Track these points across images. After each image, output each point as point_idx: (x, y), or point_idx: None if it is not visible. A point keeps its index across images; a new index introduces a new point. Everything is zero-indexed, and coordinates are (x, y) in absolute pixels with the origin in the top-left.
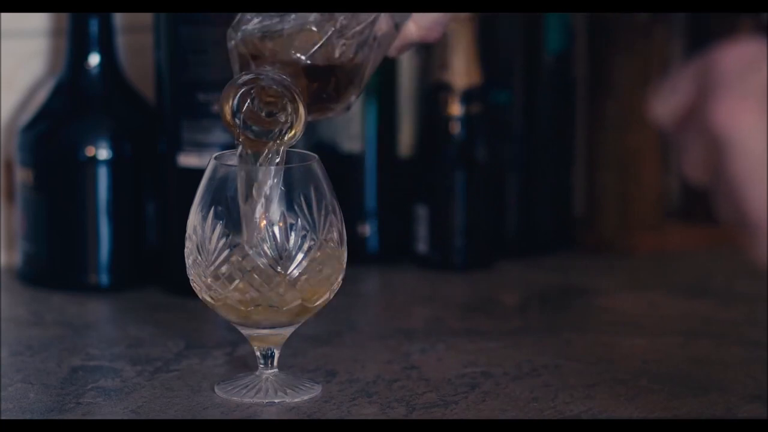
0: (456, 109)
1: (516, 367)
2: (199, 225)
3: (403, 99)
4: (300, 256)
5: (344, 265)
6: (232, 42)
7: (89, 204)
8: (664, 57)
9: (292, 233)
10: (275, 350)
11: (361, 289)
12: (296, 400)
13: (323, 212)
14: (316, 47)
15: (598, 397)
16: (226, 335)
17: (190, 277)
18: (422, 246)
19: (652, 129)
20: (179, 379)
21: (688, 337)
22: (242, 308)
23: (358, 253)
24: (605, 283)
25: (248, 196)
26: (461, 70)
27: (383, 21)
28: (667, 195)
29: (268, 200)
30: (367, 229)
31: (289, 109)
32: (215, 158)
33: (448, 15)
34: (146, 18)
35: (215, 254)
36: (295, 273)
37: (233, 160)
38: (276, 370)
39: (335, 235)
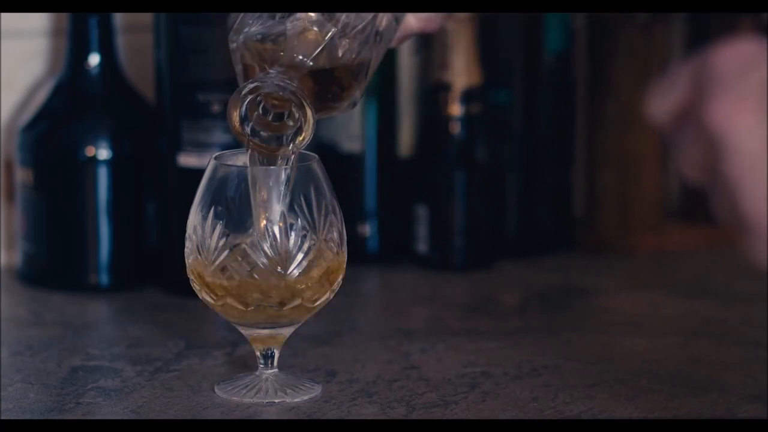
0: (456, 109)
1: (516, 367)
2: (199, 225)
3: (403, 99)
4: (300, 256)
5: (344, 265)
6: (234, 45)
7: (89, 204)
8: (664, 57)
9: (292, 233)
10: (275, 350)
11: (361, 289)
12: (296, 400)
13: (323, 212)
14: (319, 49)
15: (598, 397)
16: (226, 335)
17: (190, 277)
18: (422, 246)
19: (653, 129)
20: (179, 379)
21: (688, 337)
22: (242, 308)
23: (358, 253)
24: (605, 283)
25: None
26: (461, 70)
27: (384, 15)
28: (667, 195)
29: (280, 198)
30: (367, 229)
31: (297, 115)
32: (215, 158)
33: None
34: (146, 18)
35: (215, 254)
36: (295, 273)
37: (233, 160)
38: (276, 370)
39: (335, 235)
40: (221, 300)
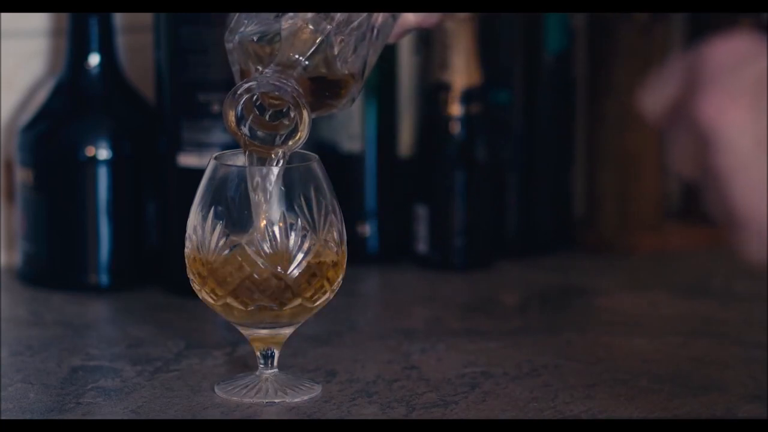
0: (456, 108)
1: (516, 367)
2: (199, 225)
3: (403, 99)
4: (300, 256)
5: (344, 265)
6: (230, 45)
7: (89, 204)
8: (664, 57)
9: (292, 233)
10: (275, 350)
11: (361, 289)
12: (296, 400)
13: (323, 212)
14: (315, 47)
15: (598, 397)
16: (226, 335)
17: (190, 277)
18: (422, 246)
19: (653, 129)
20: (179, 379)
21: (688, 337)
22: (242, 308)
23: (358, 253)
24: (605, 283)
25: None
26: (461, 70)
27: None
28: (667, 195)
29: (272, 197)
30: (367, 229)
31: (293, 114)
32: (215, 158)
33: None
34: (146, 18)
35: (215, 254)
36: (295, 273)
37: (233, 160)
38: (276, 370)
39: (335, 235)
40: (221, 300)
